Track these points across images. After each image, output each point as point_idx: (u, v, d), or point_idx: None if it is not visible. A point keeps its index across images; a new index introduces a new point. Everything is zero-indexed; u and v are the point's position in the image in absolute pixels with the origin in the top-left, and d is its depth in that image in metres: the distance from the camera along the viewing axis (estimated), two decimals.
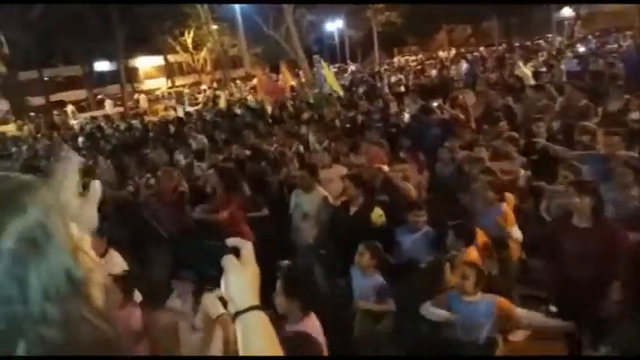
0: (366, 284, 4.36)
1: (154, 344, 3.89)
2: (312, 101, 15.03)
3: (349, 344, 4.34)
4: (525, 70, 13.39)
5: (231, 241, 1.16)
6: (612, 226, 3.90)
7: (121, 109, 29.76)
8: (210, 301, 3.49)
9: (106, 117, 24.43)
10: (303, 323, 2.94)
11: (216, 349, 3.77)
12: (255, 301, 1.10)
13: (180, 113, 19.16)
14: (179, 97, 27.95)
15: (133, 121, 19.25)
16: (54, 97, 36.63)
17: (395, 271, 4.62)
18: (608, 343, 3.06)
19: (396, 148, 7.42)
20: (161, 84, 40.51)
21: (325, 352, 2.71)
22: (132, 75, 39.73)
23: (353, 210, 5.26)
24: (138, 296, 4.10)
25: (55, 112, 29.00)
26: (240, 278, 1.11)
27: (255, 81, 21.14)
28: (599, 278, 3.73)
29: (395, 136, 8.35)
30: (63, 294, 0.78)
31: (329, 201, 5.64)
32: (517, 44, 32.29)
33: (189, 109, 21.89)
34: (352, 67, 34.52)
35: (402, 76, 21.38)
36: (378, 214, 5.03)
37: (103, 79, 37.77)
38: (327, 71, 15.92)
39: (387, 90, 16.35)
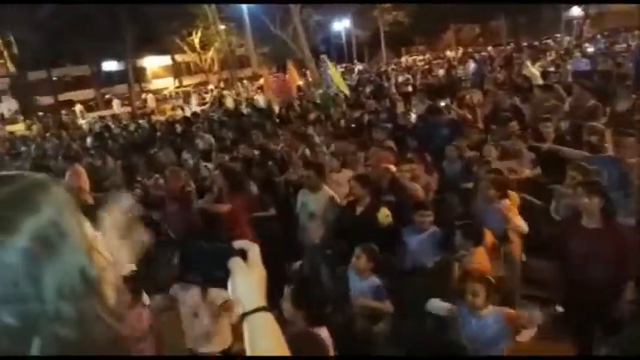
0: (363, 286, 4.30)
1: (159, 344, 3.92)
2: (318, 101, 15.03)
3: (350, 344, 4.32)
4: (533, 70, 13.28)
5: (238, 244, 1.17)
6: (621, 227, 3.88)
7: (129, 108, 29.92)
8: (215, 293, 3.71)
9: (114, 116, 24.57)
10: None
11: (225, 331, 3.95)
12: (262, 303, 1.11)
13: (188, 113, 19.23)
14: (186, 97, 28.06)
15: (141, 121, 19.31)
16: (62, 97, 36.97)
17: (400, 273, 4.60)
18: (609, 343, 3.04)
19: (404, 148, 7.37)
20: (169, 84, 40.63)
21: (332, 353, 2.70)
22: (140, 75, 39.92)
23: (359, 210, 5.24)
24: (146, 298, 4.13)
25: (63, 111, 29.12)
26: (247, 280, 1.12)
27: (261, 81, 21.18)
28: (609, 279, 3.70)
29: (402, 136, 8.32)
30: (77, 292, 0.79)
31: (335, 201, 5.62)
32: (525, 44, 32.11)
33: (197, 108, 21.96)
34: (359, 67, 34.37)
35: (409, 76, 21.28)
36: (384, 214, 5.00)
37: (111, 78, 37.91)
38: (334, 71, 15.93)
39: (394, 90, 16.29)
